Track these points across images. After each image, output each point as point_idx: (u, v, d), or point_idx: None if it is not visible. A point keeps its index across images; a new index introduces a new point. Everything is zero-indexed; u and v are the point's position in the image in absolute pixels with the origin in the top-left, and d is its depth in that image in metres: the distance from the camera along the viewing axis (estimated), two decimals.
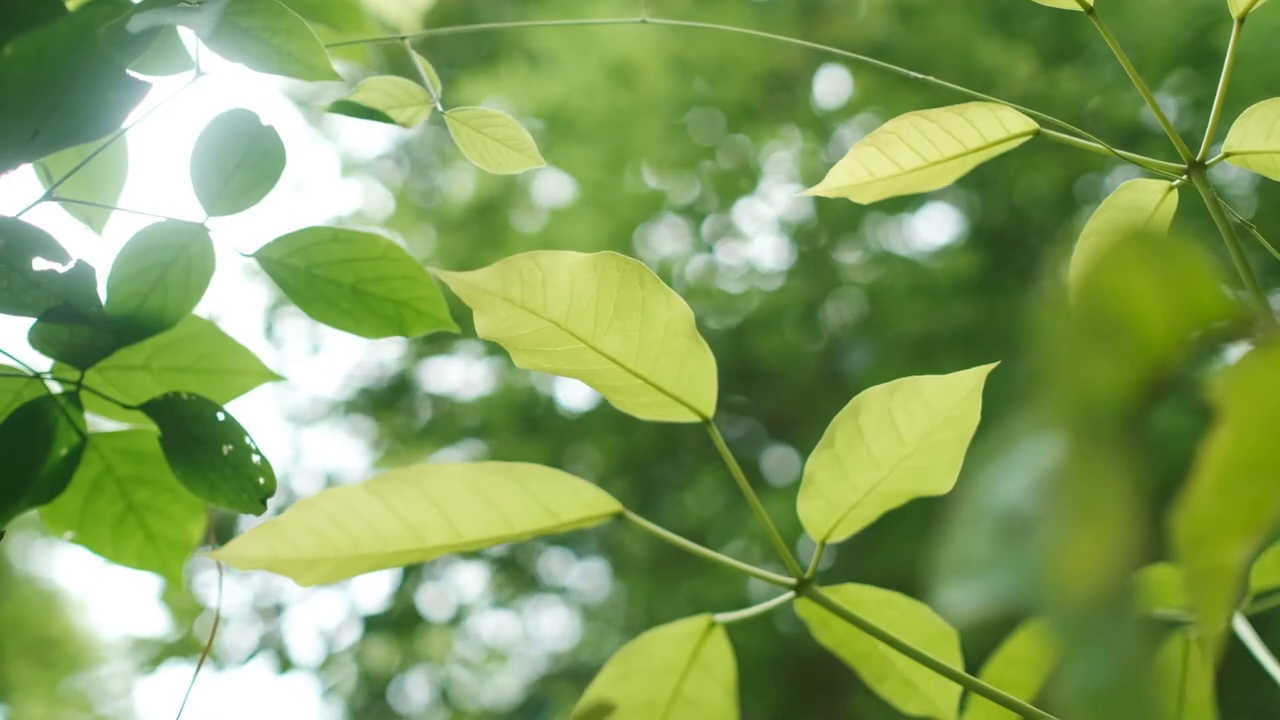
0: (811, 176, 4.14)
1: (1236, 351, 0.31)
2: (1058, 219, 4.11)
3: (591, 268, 0.58)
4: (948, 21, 3.97)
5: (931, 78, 0.68)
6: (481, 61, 4.67)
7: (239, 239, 0.74)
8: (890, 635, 0.59)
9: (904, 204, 4.20)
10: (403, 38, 0.79)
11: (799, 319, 3.95)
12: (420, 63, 0.75)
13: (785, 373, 3.85)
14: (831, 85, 4.39)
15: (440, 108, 0.75)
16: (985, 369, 0.59)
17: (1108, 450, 0.26)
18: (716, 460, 3.98)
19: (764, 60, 4.20)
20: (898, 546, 3.43)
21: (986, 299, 3.98)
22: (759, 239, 4.32)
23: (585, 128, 4.14)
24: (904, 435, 0.59)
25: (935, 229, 4.41)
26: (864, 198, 0.65)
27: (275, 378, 0.82)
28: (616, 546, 4.31)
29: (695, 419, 0.61)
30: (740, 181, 4.26)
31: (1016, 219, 4.16)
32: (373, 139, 5.40)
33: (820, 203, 4.08)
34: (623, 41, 4.11)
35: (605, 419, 4.13)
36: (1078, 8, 0.62)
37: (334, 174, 5.15)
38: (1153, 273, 0.28)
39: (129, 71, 0.61)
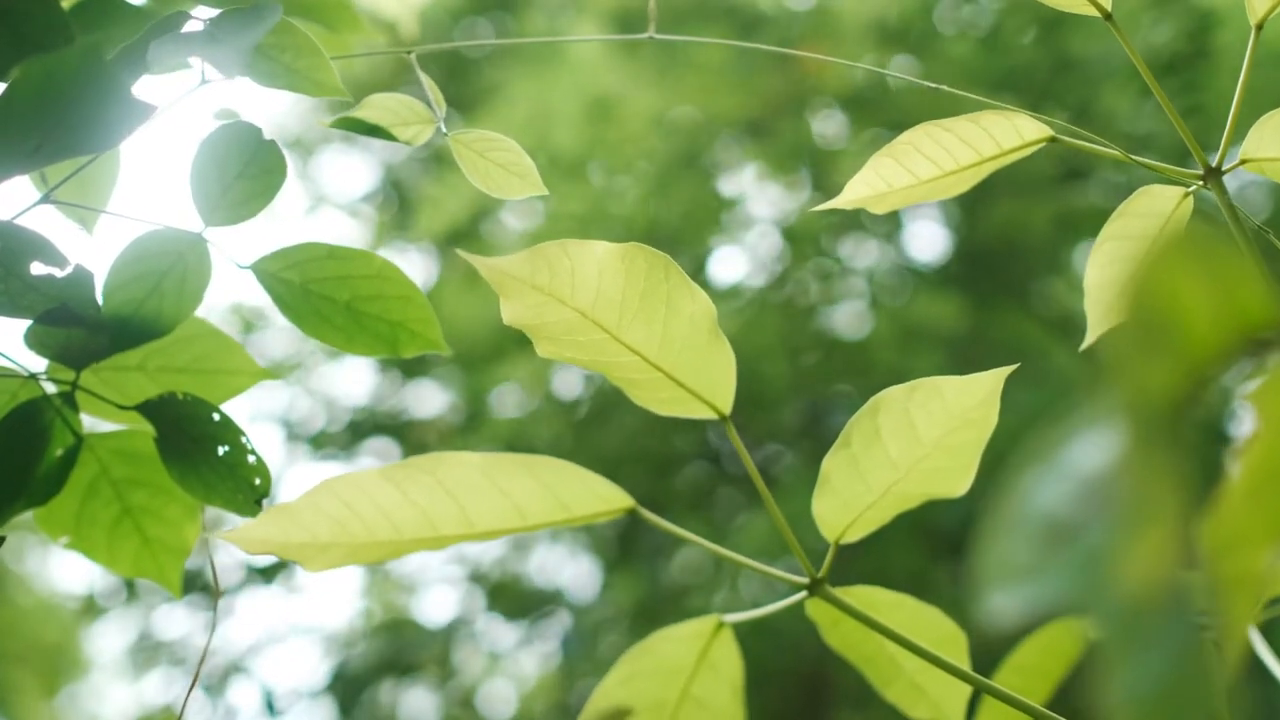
0: (798, 212, 4.18)
1: (1273, 356, 0.32)
2: (1046, 234, 4.15)
3: (620, 258, 0.58)
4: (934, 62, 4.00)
5: (944, 86, 0.69)
6: (465, 106, 4.69)
7: (236, 250, 0.74)
8: (905, 637, 0.60)
9: (892, 228, 4.24)
10: (409, 51, 0.79)
11: (777, 354, 3.96)
12: (426, 81, 0.76)
13: (765, 404, 3.87)
14: (825, 128, 4.41)
15: (444, 128, 0.75)
16: (1004, 371, 0.60)
17: (1162, 452, 0.27)
18: (701, 502, 4.01)
19: (743, 109, 4.24)
20: (884, 550, 3.45)
21: (974, 311, 4.03)
22: (737, 271, 4.34)
23: (565, 164, 4.17)
24: (922, 436, 0.59)
25: (922, 244, 4.44)
26: (880, 208, 0.66)
27: (270, 376, 0.82)
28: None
29: (713, 415, 0.62)
30: (721, 217, 4.29)
31: (1004, 234, 4.20)
32: (354, 181, 5.44)
33: (796, 239, 4.13)
34: (601, 85, 4.15)
35: (587, 458, 4.13)
36: (1096, 13, 0.63)
37: (307, 212, 5.14)
38: (1202, 275, 0.28)
39: (135, 93, 0.61)
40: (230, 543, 0.56)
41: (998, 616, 0.29)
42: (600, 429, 4.04)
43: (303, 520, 0.55)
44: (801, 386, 3.95)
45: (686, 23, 4.22)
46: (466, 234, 4.43)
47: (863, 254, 4.34)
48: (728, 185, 4.41)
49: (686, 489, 4.02)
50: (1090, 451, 0.29)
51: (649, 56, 4.23)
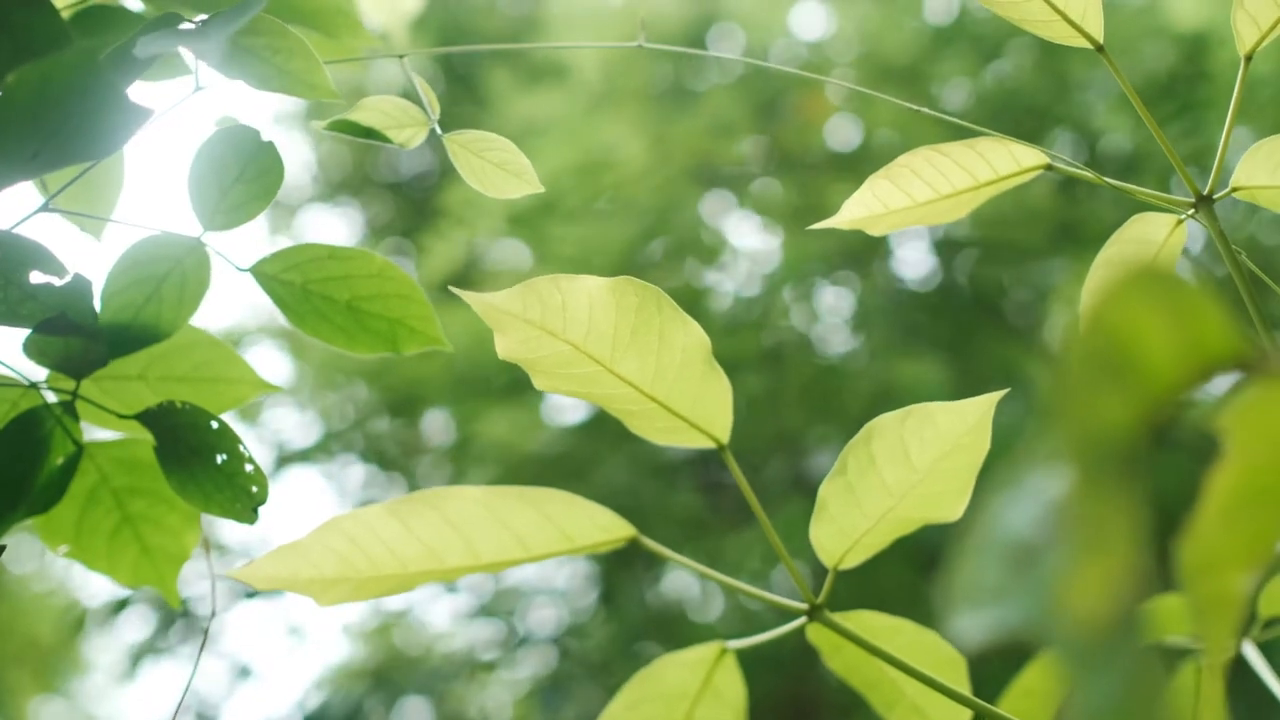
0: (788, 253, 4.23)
1: (1241, 384, 0.34)
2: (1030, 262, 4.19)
3: (610, 292, 0.61)
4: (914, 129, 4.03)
5: (935, 111, 0.71)
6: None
7: (235, 253, 0.77)
8: (905, 663, 0.62)
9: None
10: (401, 56, 0.82)
11: (758, 380, 3.99)
12: (420, 84, 0.78)
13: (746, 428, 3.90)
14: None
15: (439, 130, 0.77)
16: (995, 396, 0.62)
17: (1114, 483, 0.29)
18: (690, 530, 4.03)
19: (734, 153, 4.29)
20: (873, 567, 3.45)
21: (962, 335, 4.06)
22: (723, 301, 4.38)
23: (564, 209, 4.22)
24: (916, 462, 0.62)
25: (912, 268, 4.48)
26: (876, 230, 0.69)
27: (270, 388, 0.84)
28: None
29: (710, 444, 0.64)
30: (709, 252, 4.34)
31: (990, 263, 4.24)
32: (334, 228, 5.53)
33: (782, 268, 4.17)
34: (600, 135, 4.21)
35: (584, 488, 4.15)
36: (1088, 45, 0.66)
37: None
38: (1161, 308, 0.30)
39: (132, 98, 0.63)
40: (240, 580, 0.59)
41: (964, 637, 0.31)
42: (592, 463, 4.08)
43: (310, 557, 0.58)
44: (781, 414, 3.98)
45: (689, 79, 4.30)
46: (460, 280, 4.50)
47: (849, 281, 4.38)
48: (719, 223, 4.47)
49: (677, 516, 4.05)
50: (1053, 478, 0.31)
51: (647, 113, 4.32)
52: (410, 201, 5.38)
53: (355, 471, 4.74)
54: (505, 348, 0.61)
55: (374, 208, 5.51)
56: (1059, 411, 0.29)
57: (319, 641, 4.66)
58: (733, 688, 0.69)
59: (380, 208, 5.50)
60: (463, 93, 5.00)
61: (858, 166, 4.16)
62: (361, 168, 5.43)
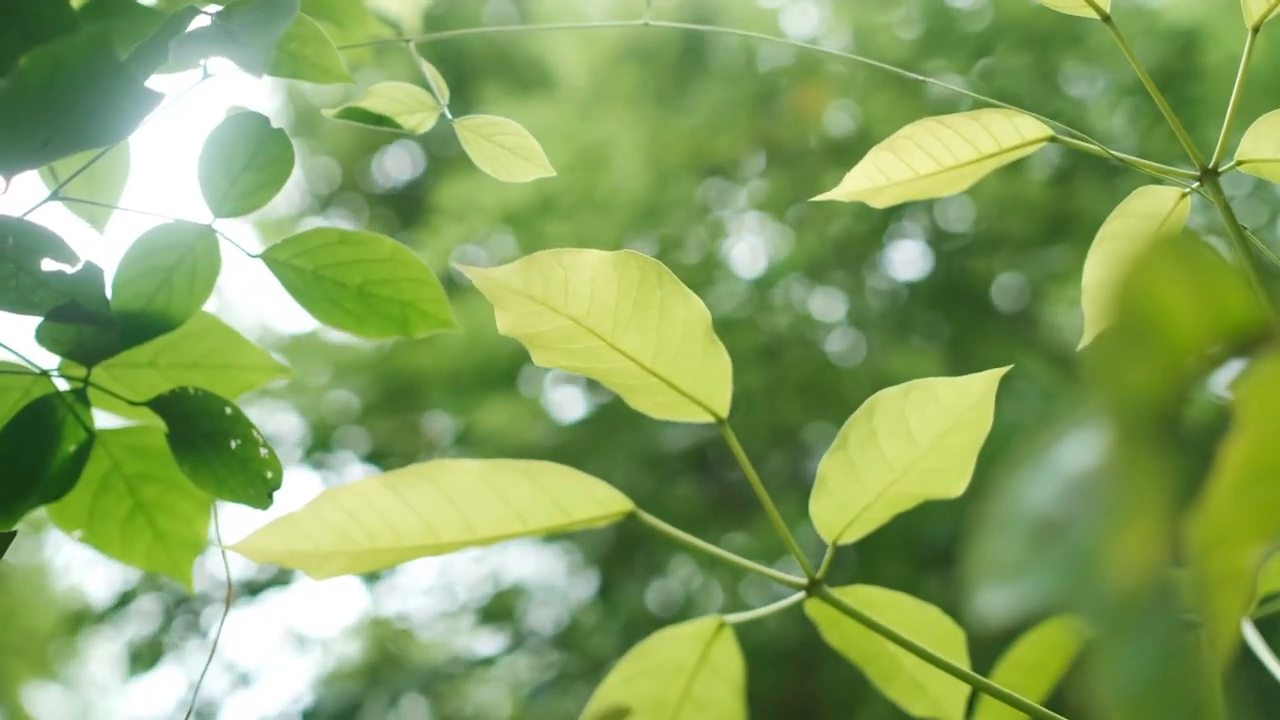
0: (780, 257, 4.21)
1: (1252, 360, 0.32)
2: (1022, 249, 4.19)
3: (613, 266, 0.58)
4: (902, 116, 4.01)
5: (930, 79, 0.69)
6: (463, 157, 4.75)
7: (246, 240, 0.75)
8: (903, 637, 0.60)
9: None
10: (407, 40, 0.79)
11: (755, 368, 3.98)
12: (428, 69, 0.76)
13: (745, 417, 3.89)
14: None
15: (448, 114, 0.75)
16: (999, 372, 0.60)
17: (1148, 449, 0.28)
18: (692, 522, 4.02)
19: (728, 151, 4.27)
20: (874, 561, 3.46)
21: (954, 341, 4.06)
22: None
23: (561, 208, 4.20)
24: (917, 437, 0.60)
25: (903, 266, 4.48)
26: (878, 202, 0.67)
27: (284, 372, 0.82)
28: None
29: (709, 419, 0.62)
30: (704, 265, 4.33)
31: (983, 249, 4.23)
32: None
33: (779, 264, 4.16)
34: (593, 137, 4.20)
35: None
36: (1094, 15, 0.64)
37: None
38: (1186, 276, 0.29)
39: (143, 83, 0.61)
40: (236, 552, 0.56)
41: (988, 613, 0.29)
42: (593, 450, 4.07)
43: (306, 530, 0.55)
44: (779, 409, 3.97)
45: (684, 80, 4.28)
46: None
47: (846, 277, 4.37)
48: (715, 220, 4.46)
49: (675, 511, 4.04)
50: (1077, 451, 0.29)
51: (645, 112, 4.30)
52: (400, 210, 5.37)
53: (354, 471, 4.72)
54: (506, 323, 0.59)
55: (365, 216, 5.50)
56: (1091, 380, 0.28)
57: (317, 640, 4.64)
58: (730, 662, 0.67)
59: (372, 215, 5.48)
60: (454, 105, 4.99)
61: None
62: (352, 178, 5.41)
